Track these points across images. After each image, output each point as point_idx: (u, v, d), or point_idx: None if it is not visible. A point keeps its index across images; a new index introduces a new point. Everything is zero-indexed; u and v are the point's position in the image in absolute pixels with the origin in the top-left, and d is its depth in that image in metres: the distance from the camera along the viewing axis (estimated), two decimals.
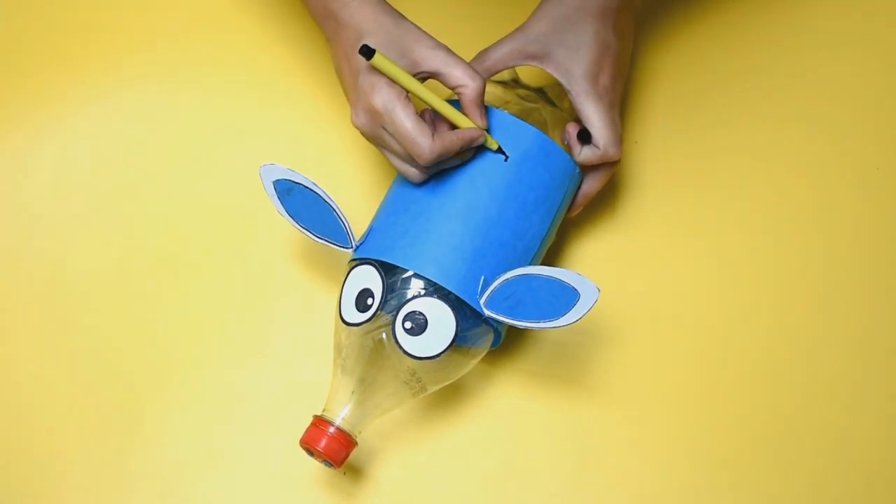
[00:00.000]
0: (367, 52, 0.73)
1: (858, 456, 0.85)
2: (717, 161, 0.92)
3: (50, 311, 0.89)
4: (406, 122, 0.74)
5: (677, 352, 0.87)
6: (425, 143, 0.74)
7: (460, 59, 0.76)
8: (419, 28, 0.77)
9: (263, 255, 0.90)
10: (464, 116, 0.77)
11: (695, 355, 0.87)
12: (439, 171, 0.78)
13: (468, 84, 0.75)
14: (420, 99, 0.76)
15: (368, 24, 0.76)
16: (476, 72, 0.76)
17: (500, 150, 0.78)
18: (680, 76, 0.94)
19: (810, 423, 0.86)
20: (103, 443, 0.85)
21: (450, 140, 0.75)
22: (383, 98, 0.74)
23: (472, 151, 0.78)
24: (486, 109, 0.77)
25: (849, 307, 0.88)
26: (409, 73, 0.75)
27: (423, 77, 0.76)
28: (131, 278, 0.89)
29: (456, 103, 0.79)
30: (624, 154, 0.85)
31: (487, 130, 0.78)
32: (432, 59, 0.75)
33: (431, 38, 0.76)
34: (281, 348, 0.88)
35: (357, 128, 0.77)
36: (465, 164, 0.78)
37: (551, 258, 0.88)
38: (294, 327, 0.88)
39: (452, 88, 0.76)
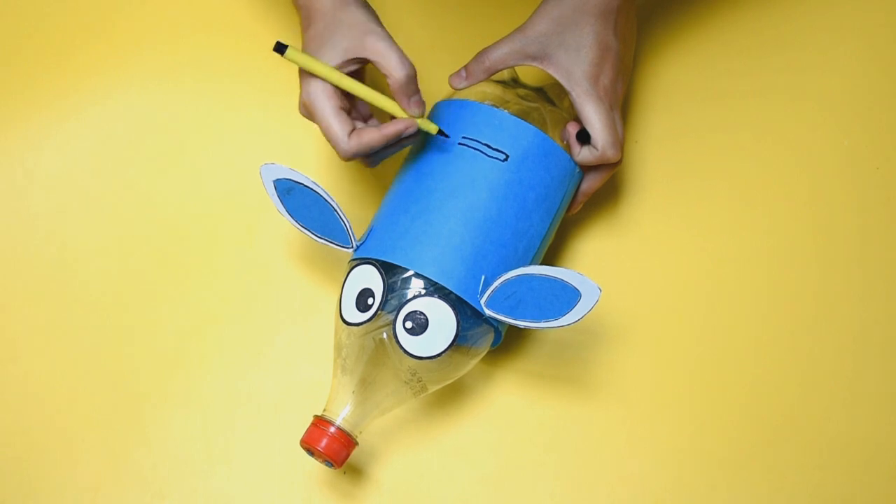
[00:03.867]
0: (280, 48, 0.74)
1: (859, 455, 0.85)
2: (718, 160, 0.92)
3: (50, 312, 0.89)
4: (325, 117, 0.76)
5: (678, 351, 0.87)
6: (342, 139, 0.76)
7: (393, 46, 0.76)
8: (367, 14, 0.77)
9: (263, 255, 0.90)
10: (396, 106, 0.77)
11: (696, 354, 0.87)
12: (439, 170, 0.78)
13: (393, 74, 0.75)
14: (349, 90, 0.76)
15: (316, 10, 0.77)
16: (406, 59, 0.76)
17: (440, 132, 0.79)
18: (680, 76, 0.94)
19: (810, 422, 0.86)
20: (103, 442, 0.85)
21: (369, 136, 0.76)
22: (309, 91, 0.76)
23: (412, 139, 0.79)
24: (418, 96, 0.77)
25: (849, 307, 0.88)
26: (343, 59, 0.76)
27: (357, 64, 0.77)
28: (131, 278, 0.89)
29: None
30: (624, 154, 0.85)
31: (434, 120, 0.79)
32: (363, 47, 0.76)
33: (371, 23, 0.77)
34: (281, 348, 0.88)
35: (302, 116, 0.79)
36: (414, 149, 0.80)
37: (552, 257, 0.88)
38: (294, 327, 0.88)
39: (385, 76, 0.76)
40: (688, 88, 0.94)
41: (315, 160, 0.92)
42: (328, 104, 0.76)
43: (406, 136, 0.77)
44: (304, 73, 0.76)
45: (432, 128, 0.79)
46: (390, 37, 0.76)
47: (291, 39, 0.95)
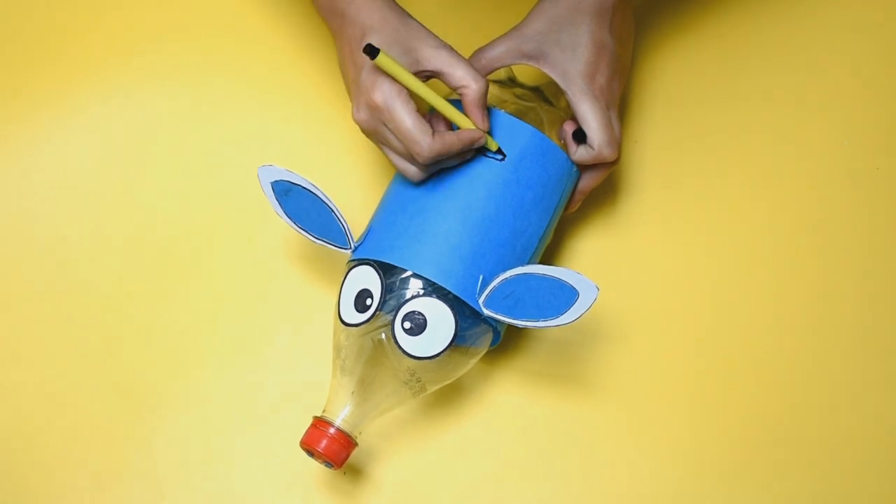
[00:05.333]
0: (372, 51, 0.73)
1: (860, 454, 0.85)
2: (716, 160, 0.92)
3: (50, 312, 0.89)
4: (406, 118, 0.74)
5: (676, 349, 0.87)
6: (425, 140, 0.74)
7: (463, 59, 0.76)
8: (424, 27, 0.77)
9: (262, 256, 0.90)
10: (465, 117, 0.77)
11: (694, 353, 0.87)
12: (437, 170, 0.78)
13: (470, 85, 0.75)
14: (423, 98, 0.76)
15: (374, 21, 0.76)
16: (478, 73, 0.76)
17: (499, 151, 0.79)
18: (680, 76, 0.94)
19: (810, 422, 0.86)
20: (103, 443, 0.85)
21: (450, 140, 0.75)
22: (384, 94, 0.75)
23: (473, 152, 0.78)
24: (488, 111, 0.78)
25: (849, 307, 0.88)
26: (412, 71, 0.75)
27: (425, 76, 0.76)
28: (131, 278, 0.89)
29: (457, 103, 0.79)
30: (623, 153, 0.85)
31: (489, 132, 0.78)
32: (435, 59, 0.76)
33: (436, 37, 0.77)
34: (281, 348, 0.88)
35: (357, 123, 0.77)
36: (464, 163, 0.78)
37: (550, 256, 0.88)
38: (294, 327, 0.88)
39: (454, 89, 0.76)
40: (687, 88, 0.94)
41: (314, 160, 0.92)
42: (408, 107, 0.75)
43: (473, 148, 0.77)
44: (374, 77, 0.75)
45: (493, 145, 0.79)
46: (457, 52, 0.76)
47: (292, 38, 0.95)
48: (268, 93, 0.94)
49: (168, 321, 0.88)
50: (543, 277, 0.74)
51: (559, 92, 0.82)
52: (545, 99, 0.85)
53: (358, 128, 0.78)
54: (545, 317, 0.75)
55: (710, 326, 0.88)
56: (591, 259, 0.89)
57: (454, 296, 0.76)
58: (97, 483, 0.84)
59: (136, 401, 0.86)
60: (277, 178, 0.79)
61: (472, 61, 0.82)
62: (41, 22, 0.97)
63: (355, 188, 0.91)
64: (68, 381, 0.87)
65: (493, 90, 0.84)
